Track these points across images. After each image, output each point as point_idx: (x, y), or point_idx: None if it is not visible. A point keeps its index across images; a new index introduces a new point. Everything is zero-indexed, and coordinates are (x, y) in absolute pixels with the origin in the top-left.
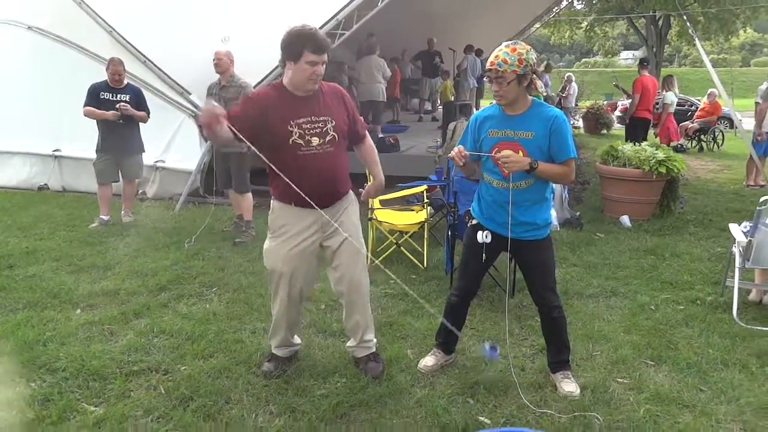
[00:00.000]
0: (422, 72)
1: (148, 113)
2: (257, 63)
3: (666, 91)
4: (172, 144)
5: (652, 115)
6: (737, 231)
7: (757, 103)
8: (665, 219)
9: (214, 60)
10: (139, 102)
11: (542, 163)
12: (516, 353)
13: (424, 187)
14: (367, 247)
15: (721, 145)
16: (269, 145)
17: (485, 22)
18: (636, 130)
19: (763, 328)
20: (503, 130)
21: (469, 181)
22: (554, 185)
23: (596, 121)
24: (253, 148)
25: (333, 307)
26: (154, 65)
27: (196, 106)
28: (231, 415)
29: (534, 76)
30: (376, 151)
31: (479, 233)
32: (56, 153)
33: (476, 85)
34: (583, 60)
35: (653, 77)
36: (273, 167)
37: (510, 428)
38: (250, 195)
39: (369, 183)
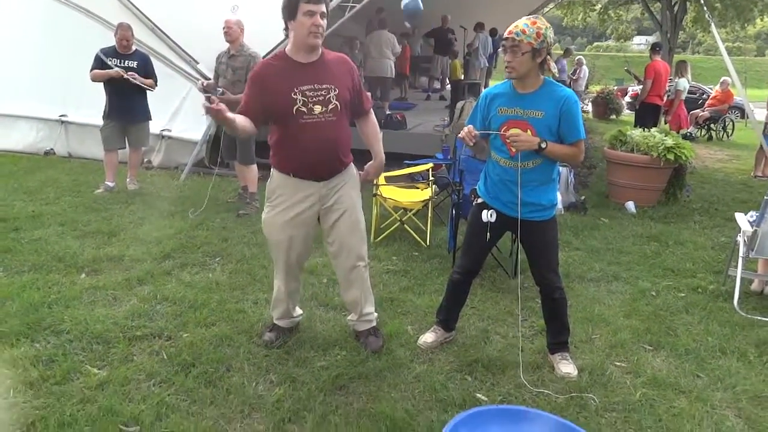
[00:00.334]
0: (434, 50)
1: (156, 81)
2: (266, 33)
3: (679, 78)
4: (179, 113)
5: (663, 102)
6: (743, 220)
7: None
8: (671, 206)
9: (224, 28)
10: (146, 69)
11: (551, 143)
12: (516, 333)
13: (430, 165)
14: (370, 224)
15: (731, 134)
16: (274, 115)
17: (498, 2)
18: (646, 115)
19: (763, 319)
20: (513, 108)
21: (476, 160)
22: (560, 168)
23: (606, 106)
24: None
25: (335, 281)
26: (163, 32)
27: (204, 76)
28: (232, 382)
29: (548, 56)
30: (378, 128)
31: (484, 212)
32: (63, 118)
33: (487, 64)
34: (596, 43)
35: (665, 63)
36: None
37: (506, 405)
38: (254, 167)
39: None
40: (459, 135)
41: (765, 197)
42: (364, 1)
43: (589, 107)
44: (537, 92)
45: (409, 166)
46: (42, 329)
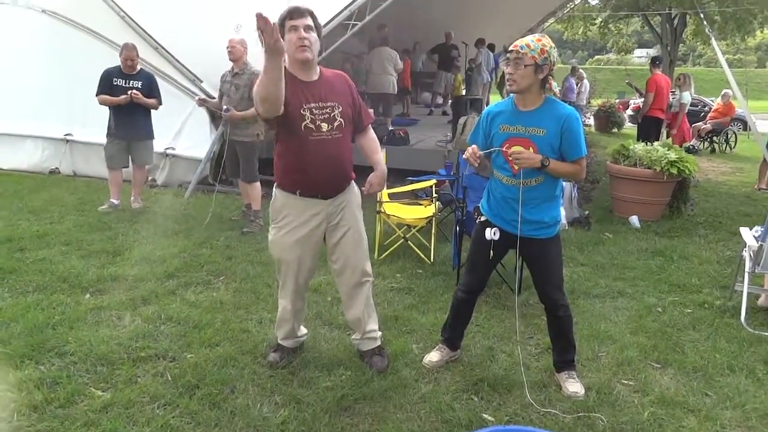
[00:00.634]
0: (438, 65)
1: (160, 101)
2: None
3: (683, 91)
4: (183, 131)
5: (666, 115)
6: (748, 235)
7: None
8: (675, 220)
9: (228, 47)
10: (151, 89)
11: (554, 160)
12: (521, 351)
13: (433, 181)
14: (374, 241)
15: (734, 147)
16: (282, 130)
17: (499, 17)
18: (648, 129)
19: None
20: (514, 125)
21: (479, 177)
22: (563, 183)
23: (607, 120)
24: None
25: (339, 300)
26: (167, 52)
27: (207, 94)
28: (236, 404)
29: (550, 76)
30: (377, 141)
31: (487, 230)
32: (68, 137)
33: (489, 79)
34: (596, 57)
35: (666, 76)
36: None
37: (514, 426)
38: (258, 184)
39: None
40: (463, 156)
41: None
42: (365, 19)
43: (591, 121)
44: (538, 110)
45: (412, 182)
46: (46, 351)
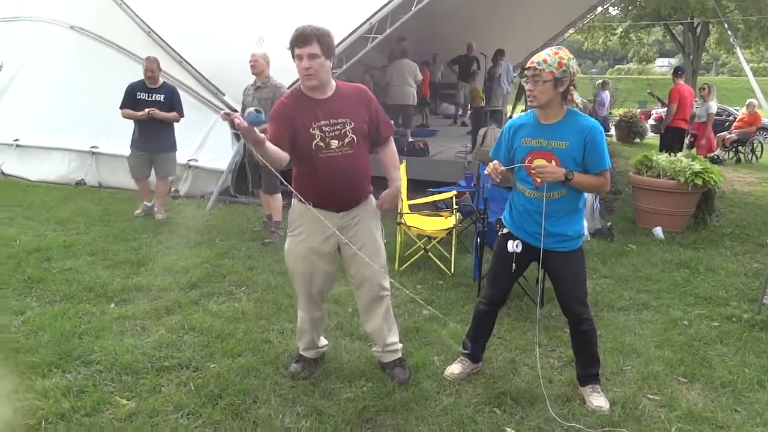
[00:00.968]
0: (458, 77)
1: (181, 113)
2: (292, 65)
3: (708, 101)
4: (205, 143)
5: (691, 126)
6: None
7: None
8: (700, 232)
9: (250, 62)
10: (172, 102)
11: (577, 173)
12: (544, 364)
13: (453, 192)
14: (394, 252)
15: (760, 157)
16: (296, 150)
17: (518, 28)
18: (672, 140)
19: None
20: (537, 138)
21: (500, 188)
22: (585, 194)
23: (629, 130)
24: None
25: None
26: (190, 65)
27: (229, 107)
28: (258, 414)
29: (572, 87)
30: (397, 156)
31: (510, 242)
32: (94, 149)
33: (509, 91)
34: (617, 66)
35: (689, 86)
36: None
37: None
38: (279, 196)
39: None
40: (485, 171)
41: None
42: (386, 32)
43: (613, 131)
44: (561, 122)
45: (432, 193)
46: (73, 359)
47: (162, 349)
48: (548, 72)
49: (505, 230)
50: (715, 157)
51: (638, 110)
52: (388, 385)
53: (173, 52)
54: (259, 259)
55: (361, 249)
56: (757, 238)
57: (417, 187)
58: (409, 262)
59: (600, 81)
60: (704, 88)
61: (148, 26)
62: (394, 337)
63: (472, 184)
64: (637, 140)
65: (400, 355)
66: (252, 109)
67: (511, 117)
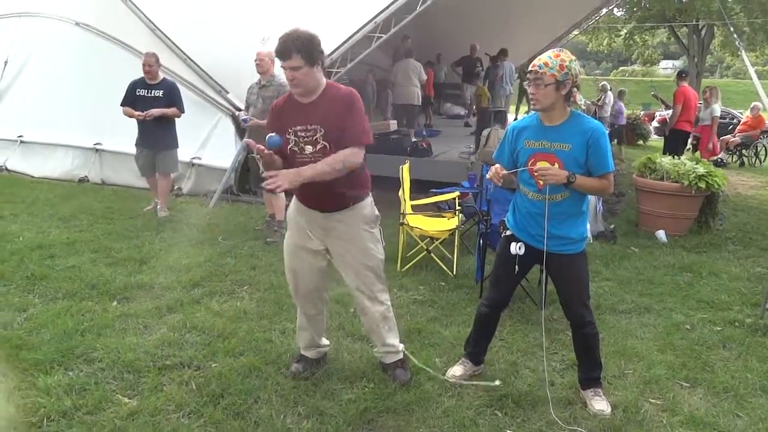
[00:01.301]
0: (462, 78)
1: (181, 109)
2: None
3: (711, 104)
4: (209, 141)
5: (695, 128)
6: None
7: None
8: (703, 235)
9: (255, 60)
10: (171, 97)
11: (580, 176)
12: (546, 367)
13: (457, 193)
14: (397, 252)
15: (764, 160)
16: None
17: (522, 28)
18: (676, 143)
19: None
20: (540, 141)
21: (504, 190)
22: (589, 196)
23: (633, 132)
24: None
25: None
26: (195, 63)
27: (233, 105)
28: (260, 414)
29: (575, 89)
30: (341, 162)
31: (512, 244)
32: (97, 146)
33: (512, 92)
34: (621, 68)
35: (693, 89)
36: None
37: None
38: (282, 195)
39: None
40: (487, 176)
41: None
42: (390, 32)
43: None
44: (564, 125)
45: (435, 194)
46: (75, 357)
47: (164, 348)
48: (550, 75)
49: (508, 232)
50: (719, 160)
51: (642, 112)
52: (389, 386)
53: (178, 49)
54: (262, 258)
55: (351, 253)
56: (761, 242)
57: (420, 187)
58: (411, 263)
59: (620, 90)
60: (707, 92)
61: (152, 23)
62: (393, 339)
63: (475, 185)
64: (641, 142)
65: (401, 356)
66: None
67: (516, 119)
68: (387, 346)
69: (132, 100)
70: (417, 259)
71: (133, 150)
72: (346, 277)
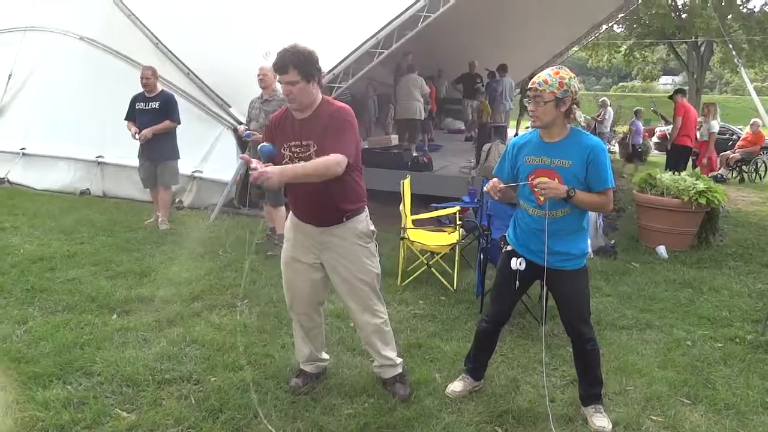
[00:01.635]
0: (463, 95)
1: (176, 120)
2: None
3: (711, 119)
4: (210, 155)
5: (694, 144)
6: None
7: None
8: (703, 251)
9: (258, 75)
10: (167, 108)
11: (579, 191)
12: (546, 383)
13: (457, 208)
14: (397, 267)
15: (764, 176)
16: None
17: (523, 45)
18: (678, 158)
19: None
20: (540, 157)
21: (504, 205)
22: (589, 212)
23: (633, 147)
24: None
25: None
26: (197, 77)
27: (235, 119)
28: (259, 429)
29: (575, 105)
30: (321, 164)
31: (513, 260)
32: (99, 159)
33: (512, 107)
34: (621, 84)
35: (692, 105)
36: None
37: None
38: (283, 208)
39: None
40: (485, 188)
41: None
42: (392, 48)
43: (616, 148)
44: (564, 141)
45: (436, 209)
46: (74, 370)
47: (163, 362)
48: (549, 92)
49: (509, 248)
50: (719, 176)
51: (642, 128)
52: (389, 401)
53: (181, 63)
54: (262, 272)
55: (345, 268)
56: (761, 258)
57: (420, 202)
58: (411, 277)
59: (635, 109)
60: (706, 108)
61: (156, 38)
62: (390, 353)
63: (476, 200)
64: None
65: (400, 370)
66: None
67: (516, 134)
68: (384, 358)
69: (133, 114)
70: (417, 273)
71: (134, 163)
72: (340, 291)
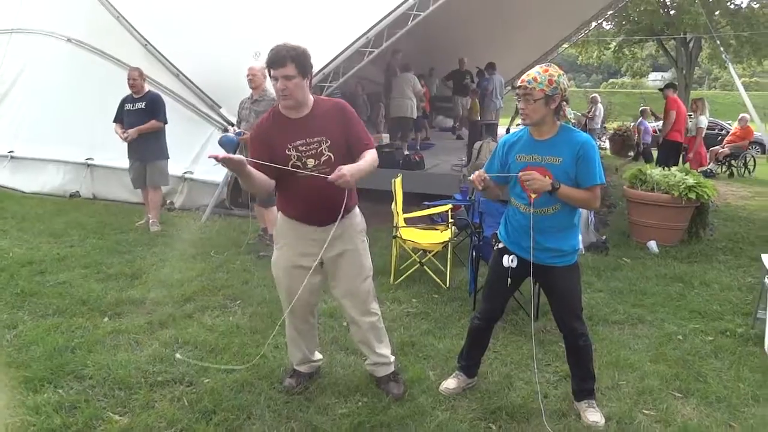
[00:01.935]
0: (453, 91)
1: (163, 119)
2: None
3: (700, 114)
4: (201, 156)
5: (683, 140)
6: None
7: None
8: (694, 246)
9: (248, 76)
10: (153, 108)
11: (565, 186)
12: (539, 379)
13: (449, 206)
14: (390, 265)
15: (753, 171)
16: (276, 170)
17: (513, 42)
18: (668, 153)
19: None
20: (530, 154)
21: (496, 203)
22: (580, 209)
23: (623, 143)
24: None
25: None
26: (187, 78)
27: (225, 120)
28: (253, 430)
29: (564, 102)
30: (374, 156)
31: (505, 257)
32: (89, 161)
33: (502, 105)
34: (611, 80)
35: (682, 101)
36: None
37: None
38: (275, 208)
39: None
40: (470, 177)
41: None
42: (382, 46)
43: (606, 144)
44: (554, 138)
45: (428, 207)
46: (65, 374)
47: (155, 364)
48: (539, 90)
49: (500, 245)
50: (708, 171)
51: (632, 124)
52: (383, 400)
53: (170, 64)
54: (254, 273)
55: (346, 260)
56: (751, 252)
57: (412, 200)
58: (404, 276)
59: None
60: (694, 103)
61: (145, 39)
62: (385, 350)
63: (467, 198)
64: (631, 153)
65: (393, 368)
66: (227, 134)
67: (508, 130)
68: (378, 356)
69: (121, 115)
70: (410, 271)
71: (124, 165)
72: (339, 288)
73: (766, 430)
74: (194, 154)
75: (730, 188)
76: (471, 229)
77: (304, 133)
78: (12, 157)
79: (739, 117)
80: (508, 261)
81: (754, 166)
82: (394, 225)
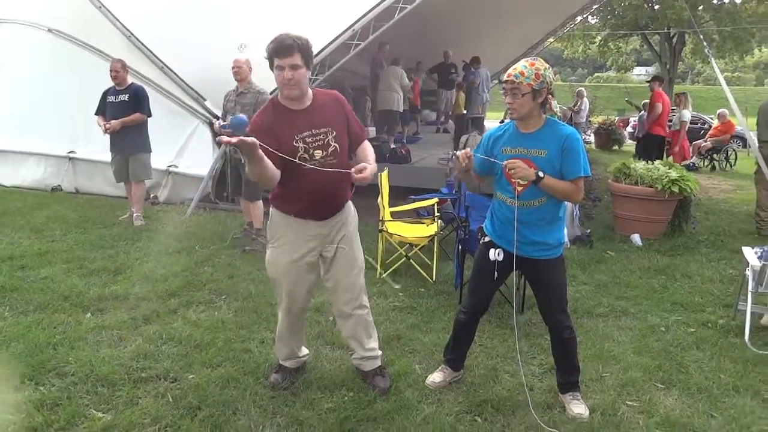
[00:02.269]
0: (438, 84)
1: (146, 112)
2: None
3: (682, 109)
4: (186, 149)
5: (666, 133)
6: (750, 254)
7: None
8: (676, 239)
9: (233, 68)
10: (136, 101)
11: (549, 176)
12: (524, 372)
13: (435, 200)
14: (376, 259)
15: (734, 164)
16: (281, 162)
17: (499, 36)
18: (650, 147)
19: None
20: (516, 147)
21: (481, 196)
22: (566, 202)
23: (608, 137)
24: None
25: None
26: (171, 71)
27: (210, 113)
28: (238, 426)
29: (550, 96)
30: (372, 150)
31: (491, 251)
32: (71, 155)
33: (488, 99)
34: (596, 74)
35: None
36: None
37: None
38: (260, 203)
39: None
40: (456, 153)
41: None
42: (368, 39)
43: (592, 138)
44: (540, 131)
45: (414, 201)
46: (47, 371)
47: (139, 360)
48: (526, 84)
49: (486, 239)
50: (691, 164)
51: (617, 118)
52: (369, 394)
53: (154, 56)
54: (240, 267)
55: (341, 251)
56: (732, 244)
57: (399, 194)
58: (390, 269)
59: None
60: (678, 97)
61: (128, 30)
62: (373, 343)
63: (453, 192)
64: (616, 147)
65: (379, 362)
66: (237, 115)
67: (502, 122)
68: (367, 350)
69: (104, 107)
70: (396, 265)
71: (107, 158)
72: (338, 283)
73: (746, 420)
74: (179, 147)
75: (712, 182)
76: (457, 223)
77: (309, 125)
78: None
79: (718, 113)
80: (494, 254)
81: (736, 159)
82: (380, 219)
